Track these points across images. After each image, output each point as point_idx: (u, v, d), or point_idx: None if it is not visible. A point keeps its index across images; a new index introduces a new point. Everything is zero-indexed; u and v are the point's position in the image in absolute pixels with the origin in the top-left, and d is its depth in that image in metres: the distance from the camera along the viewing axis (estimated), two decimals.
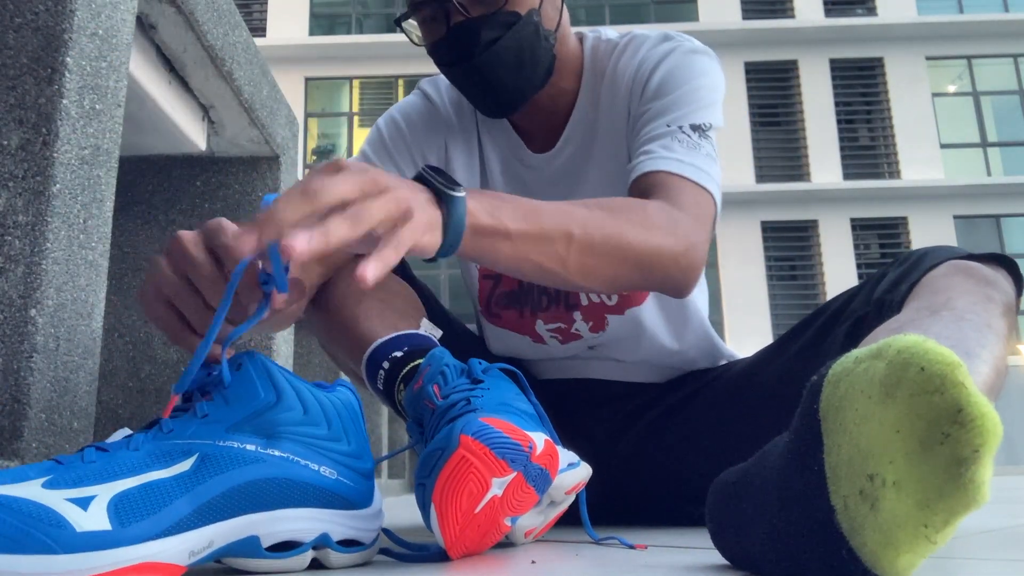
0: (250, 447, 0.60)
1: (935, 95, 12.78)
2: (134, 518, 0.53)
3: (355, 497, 0.66)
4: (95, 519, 0.51)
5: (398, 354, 0.88)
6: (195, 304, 0.62)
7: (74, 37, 1.01)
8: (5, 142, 0.98)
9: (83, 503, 0.51)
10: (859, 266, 12.13)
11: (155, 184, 1.89)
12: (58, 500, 0.51)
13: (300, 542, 0.62)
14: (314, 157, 13.29)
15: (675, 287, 0.86)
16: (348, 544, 0.66)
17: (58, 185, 0.98)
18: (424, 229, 0.61)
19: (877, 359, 0.47)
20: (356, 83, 13.40)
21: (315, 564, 0.65)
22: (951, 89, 13.06)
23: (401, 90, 13.19)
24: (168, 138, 1.74)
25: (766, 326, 11.73)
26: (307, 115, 13.13)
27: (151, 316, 0.65)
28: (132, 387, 1.79)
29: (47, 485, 0.51)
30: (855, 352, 0.50)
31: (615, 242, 0.77)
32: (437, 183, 0.65)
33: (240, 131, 1.86)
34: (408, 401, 0.81)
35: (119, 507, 0.52)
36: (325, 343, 1.03)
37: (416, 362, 0.86)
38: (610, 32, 1.12)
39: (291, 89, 12.62)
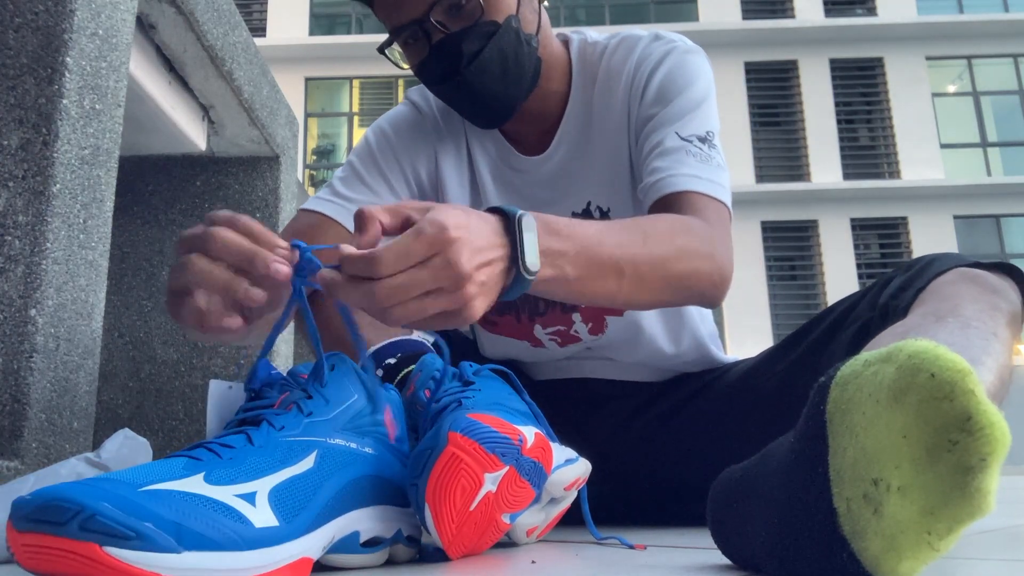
0: (352, 445, 0.62)
1: (935, 95, 12.78)
2: (292, 513, 0.53)
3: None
4: (265, 515, 0.51)
5: (391, 361, 0.88)
6: (228, 277, 0.61)
7: (74, 37, 1.01)
8: (5, 142, 0.98)
9: (249, 498, 0.51)
10: (859, 266, 12.13)
11: (155, 184, 1.89)
12: (229, 495, 0.50)
13: (383, 538, 0.65)
14: (314, 157, 13.30)
15: (710, 300, 0.90)
16: (410, 540, 0.68)
17: (58, 185, 0.99)
18: (481, 306, 0.64)
19: (887, 363, 0.47)
20: (356, 83, 13.40)
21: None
22: (951, 89, 13.05)
23: (401, 90, 13.18)
24: (168, 138, 1.74)
25: (766, 326, 11.73)
26: (307, 115, 13.13)
27: (178, 315, 0.64)
28: (132, 387, 1.80)
29: (209, 480, 0.51)
30: (864, 355, 0.50)
31: (660, 271, 0.81)
32: (521, 264, 0.67)
33: (240, 131, 1.86)
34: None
35: (278, 501, 0.53)
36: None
37: (409, 368, 0.86)
38: (593, 34, 1.13)
39: (291, 89, 12.62)
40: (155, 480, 0.49)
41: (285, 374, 0.66)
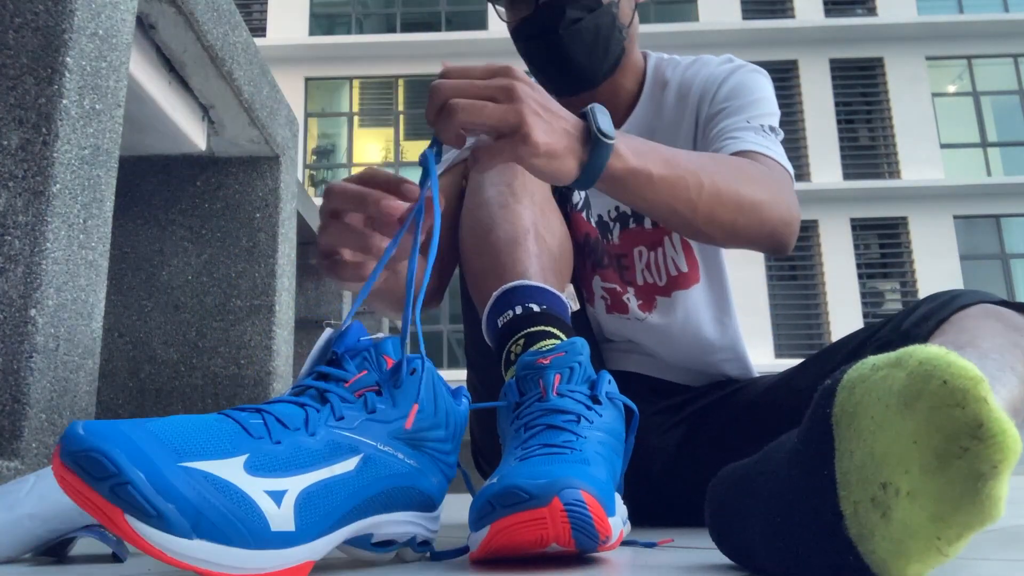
0: (400, 456, 0.62)
1: (935, 95, 12.78)
2: (311, 518, 0.54)
3: (439, 500, 0.68)
4: (284, 518, 0.52)
5: (535, 308, 0.86)
6: (359, 232, 0.69)
7: (74, 37, 1.01)
8: (5, 142, 0.98)
9: (277, 498, 0.52)
10: (859, 266, 12.13)
11: (155, 184, 1.89)
12: (259, 491, 0.51)
13: (396, 541, 0.65)
14: (314, 157, 13.30)
15: (780, 240, 0.96)
16: (422, 544, 0.68)
17: (58, 185, 0.98)
18: (541, 153, 0.66)
19: (896, 368, 0.47)
20: (356, 83, 13.40)
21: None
22: (951, 89, 13.06)
23: (401, 90, 13.19)
24: (168, 138, 1.74)
25: (766, 326, 11.73)
26: (307, 115, 13.12)
27: (335, 274, 0.70)
28: (132, 387, 1.79)
29: (248, 468, 0.51)
30: (872, 359, 0.49)
31: (735, 191, 0.87)
32: (594, 124, 0.71)
33: (240, 131, 1.86)
34: (522, 362, 0.79)
35: (303, 506, 0.53)
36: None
37: (548, 328, 0.84)
38: (666, 55, 1.27)
39: (291, 89, 12.62)
40: (198, 454, 0.49)
41: (374, 343, 0.64)
